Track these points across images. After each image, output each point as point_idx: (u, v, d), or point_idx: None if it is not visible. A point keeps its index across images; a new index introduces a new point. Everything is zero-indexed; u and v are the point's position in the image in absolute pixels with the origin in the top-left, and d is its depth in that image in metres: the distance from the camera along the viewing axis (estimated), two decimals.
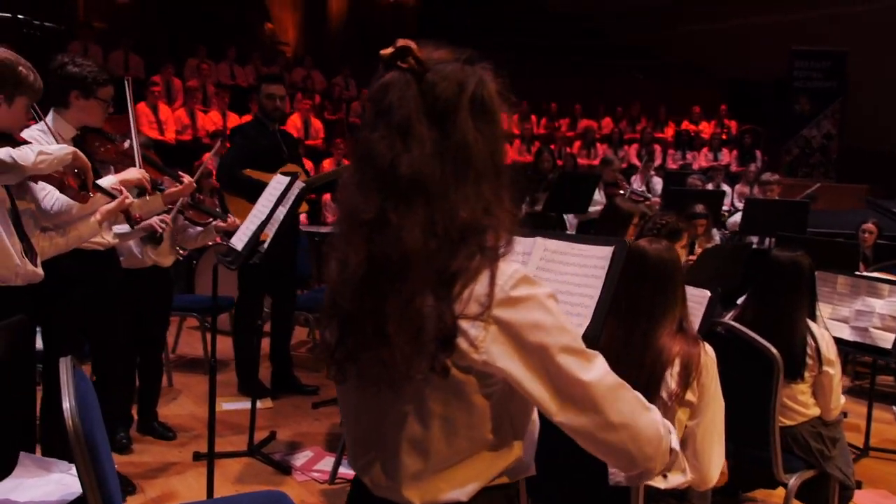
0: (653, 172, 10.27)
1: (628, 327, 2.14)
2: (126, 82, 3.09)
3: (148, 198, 3.09)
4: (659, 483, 2.13)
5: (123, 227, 3.37)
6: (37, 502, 2.04)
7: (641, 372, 2.10)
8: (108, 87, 3.01)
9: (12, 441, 2.39)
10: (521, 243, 2.06)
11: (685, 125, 13.06)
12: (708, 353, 2.15)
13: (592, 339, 1.80)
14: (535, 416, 1.29)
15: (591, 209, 6.40)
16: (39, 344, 3.12)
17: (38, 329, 3.05)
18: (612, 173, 6.94)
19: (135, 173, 2.98)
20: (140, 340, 3.84)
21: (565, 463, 2.16)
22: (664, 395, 2.11)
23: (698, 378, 2.12)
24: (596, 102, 13.24)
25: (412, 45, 1.12)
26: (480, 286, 1.09)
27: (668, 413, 2.11)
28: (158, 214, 3.45)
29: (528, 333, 1.09)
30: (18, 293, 2.52)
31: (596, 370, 1.13)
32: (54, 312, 3.03)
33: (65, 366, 1.85)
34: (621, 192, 6.79)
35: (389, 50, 1.13)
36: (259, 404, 4.30)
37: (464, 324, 1.08)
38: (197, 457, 3.61)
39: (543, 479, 2.28)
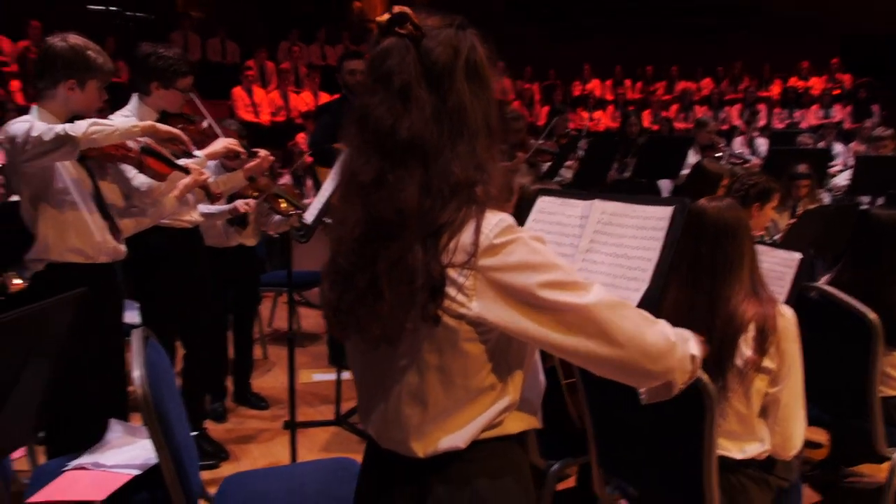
0: (756, 133, 9.75)
1: (691, 290, 2.04)
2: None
3: (228, 174, 3.19)
4: (735, 453, 2.03)
5: (211, 207, 3.51)
6: (121, 465, 2.16)
7: (711, 337, 2.00)
8: (188, 78, 3.12)
9: (99, 408, 2.55)
10: (579, 207, 1.99)
11: (792, 82, 12.32)
12: (786, 316, 2.02)
13: (651, 302, 1.73)
14: (538, 361, 1.32)
15: (685, 173, 6.15)
16: (137, 318, 3.31)
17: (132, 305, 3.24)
18: (708, 135, 6.63)
19: (220, 143, 3.10)
20: (232, 316, 4.03)
21: (636, 435, 2.10)
22: (739, 362, 2.00)
23: (777, 344, 2.00)
24: (694, 63, 12.70)
25: (409, 11, 1.16)
26: (466, 236, 1.13)
27: (744, 381, 2.01)
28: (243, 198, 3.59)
29: (514, 276, 1.12)
30: (105, 269, 2.67)
31: (592, 294, 1.14)
32: (147, 289, 3.20)
33: (137, 337, 1.95)
34: (717, 154, 6.48)
35: (387, 16, 1.17)
36: (347, 375, 4.41)
37: (452, 273, 1.12)
38: (286, 425, 3.74)
39: (613, 451, 2.24)
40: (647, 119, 10.98)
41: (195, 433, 3.12)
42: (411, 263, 1.11)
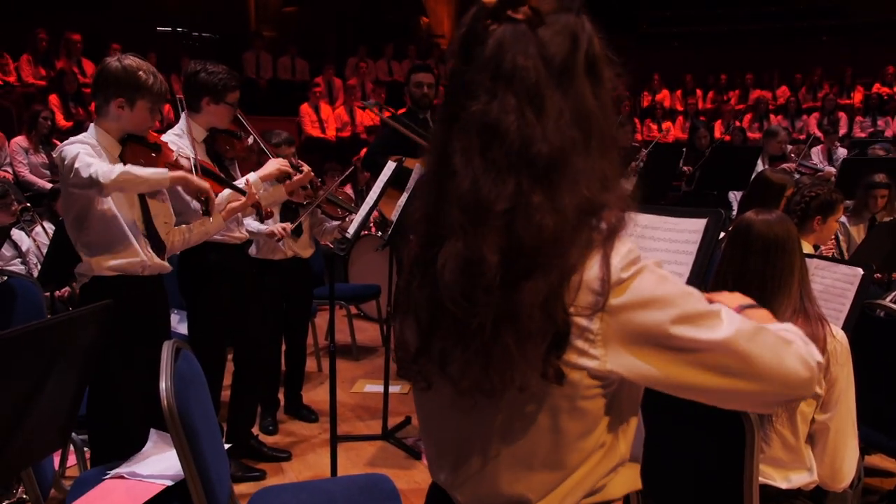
0: (837, 143, 9.33)
1: None
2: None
3: (271, 188, 3.23)
4: (779, 482, 1.91)
5: (251, 225, 3.56)
6: (156, 475, 2.19)
7: None
8: (236, 92, 3.19)
9: (141, 418, 2.59)
10: None
11: (876, 88, 11.76)
12: (837, 338, 1.89)
13: None
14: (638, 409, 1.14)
15: None
16: (183, 330, 3.38)
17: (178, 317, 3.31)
18: (778, 145, 6.37)
19: (273, 165, 3.14)
20: (284, 328, 4.07)
21: (674, 459, 2.00)
22: None
23: (825, 367, 1.87)
24: (770, 70, 12.27)
25: None
26: (592, 271, 0.94)
27: (788, 405, 1.89)
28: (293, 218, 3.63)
29: (645, 314, 0.95)
30: (150, 281, 2.74)
31: (726, 324, 0.97)
32: (196, 302, 3.26)
33: (167, 349, 1.98)
34: (789, 164, 6.21)
35: None
36: (397, 389, 4.40)
37: (576, 318, 0.94)
38: (337, 438, 3.75)
39: (651, 475, 2.13)
40: (718, 129, 10.68)
41: (229, 445, 3.14)
42: (542, 304, 0.92)
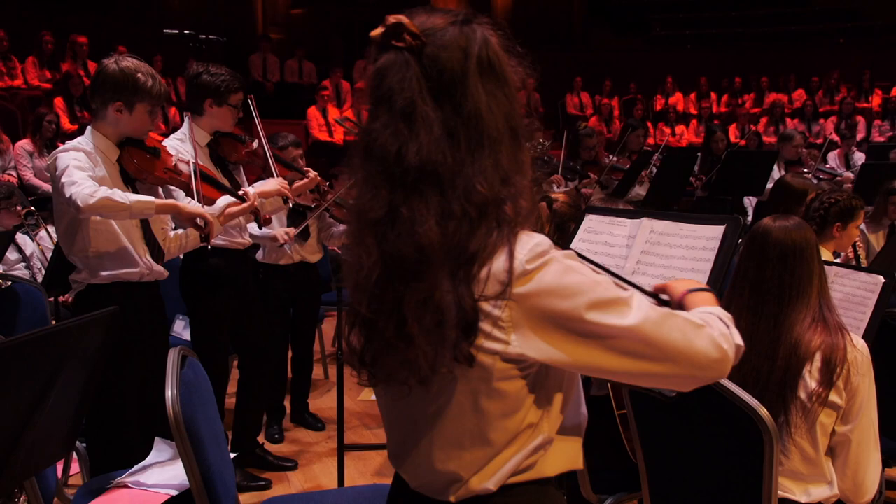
0: (854, 148, 9.27)
1: (754, 315, 1.93)
2: (250, 100, 3.26)
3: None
4: (799, 496, 1.89)
5: (254, 231, 3.55)
6: (161, 485, 2.19)
7: (774, 367, 1.88)
8: (239, 94, 3.18)
9: (145, 427, 2.59)
10: (627, 225, 1.91)
11: (895, 91, 11.69)
12: (857, 348, 1.88)
13: None
14: (579, 389, 1.23)
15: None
16: (188, 336, 3.38)
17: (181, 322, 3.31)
18: (794, 150, 6.33)
19: (273, 185, 3.12)
20: (291, 335, 4.06)
21: (691, 472, 1.98)
22: (802, 395, 1.87)
23: (846, 377, 1.86)
24: (786, 73, 12.23)
25: (404, 19, 1.08)
26: (499, 262, 1.05)
27: (808, 416, 1.88)
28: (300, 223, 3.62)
29: (553, 301, 1.04)
30: (147, 287, 2.73)
31: (635, 310, 1.07)
32: (199, 308, 3.26)
33: (172, 356, 1.98)
34: (804, 170, 6.18)
35: (380, 29, 1.09)
36: None
37: (485, 306, 1.04)
38: (344, 447, 3.73)
39: (667, 488, 2.12)
40: (733, 133, 10.64)
41: (235, 454, 3.14)
42: (440, 300, 1.03)
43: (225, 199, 2.84)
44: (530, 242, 1.06)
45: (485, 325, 1.05)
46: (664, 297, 1.33)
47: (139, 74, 2.60)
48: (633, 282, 1.78)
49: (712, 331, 1.13)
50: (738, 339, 1.16)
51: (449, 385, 1.10)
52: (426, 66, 1.06)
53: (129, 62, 2.61)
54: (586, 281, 1.06)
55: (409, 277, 1.04)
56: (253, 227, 3.47)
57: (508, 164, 1.08)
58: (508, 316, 1.05)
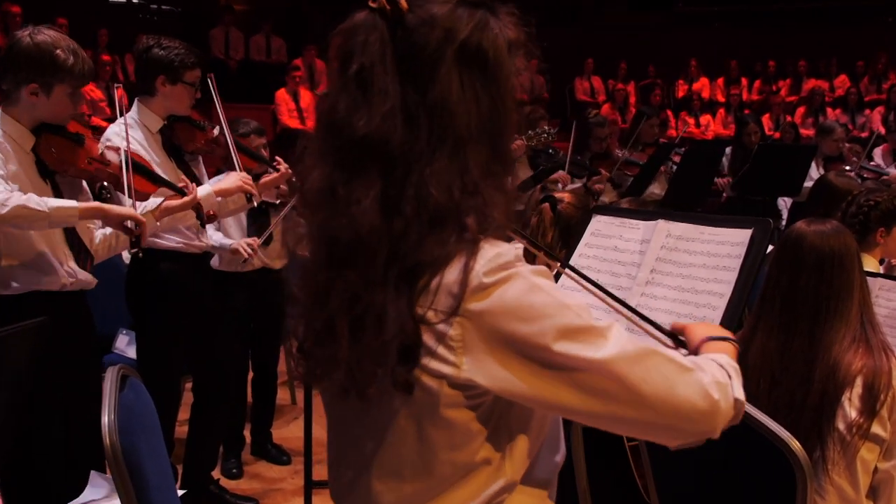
0: None
1: (786, 333, 1.94)
2: (209, 80, 3.26)
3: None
4: None
5: (214, 238, 3.53)
6: None
7: (809, 393, 1.89)
8: (196, 70, 3.15)
9: (77, 459, 2.57)
10: (640, 228, 1.92)
11: None
12: None
13: None
14: (557, 424, 1.23)
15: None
16: (133, 353, 3.36)
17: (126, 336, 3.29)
18: (835, 144, 6.37)
19: (233, 180, 3.11)
20: (251, 353, 4.05)
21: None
22: (841, 425, 1.88)
23: (891, 406, 1.87)
24: (827, 57, 12.32)
25: None
26: (452, 273, 1.04)
27: (847, 450, 1.88)
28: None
29: (512, 323, 1.03)
30: (72, 298, 2.67)
31: (611, 342, 1.05)
32: (148, 320, 3.24)
33: (110, 376, 1.96)
34: (846, 167, 6.22)
35: None
36: None
37: (433, 320, 1.03)
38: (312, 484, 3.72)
39: None
40: (766, 125, 10.71)
41: (185, 491, 3.12)
42: (375, 304, 1.03)
43: (161, 195, 2.82)
44: (491, 252, 1.05)
45: (430, 342, 1.04)
46: (682, 338, 1.32)
47: (58, 51, 2.52)
48: (649, 293, 1.79)
49: (703, 376, 1.11)
50: (739, 393, 1.14)
51: (389, 403, 1.09)
52: (398, 34, 1.07)
53: (46, 35, 2.54)
54: (553, 303, 1.04)
55: (341, 264, 1.05)
56: (211, 234, 3.45)
57: (477, 172, 1.06)
58: (459, 335, 1.03)
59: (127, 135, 2.85)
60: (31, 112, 2.58)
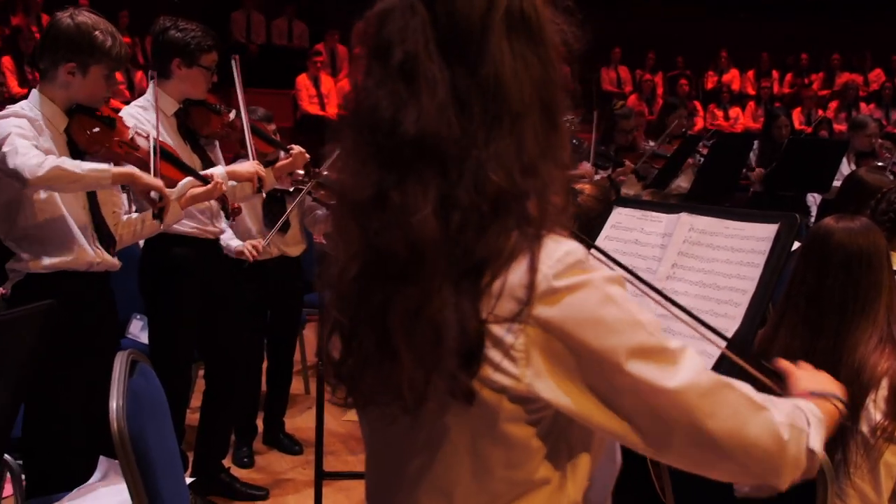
0: None
1: (811, 333, 1.93)
2: (234, 61, 3.28)
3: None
4: None
5: (223, 236, 3.54)
6: None
7: None
8: (213, 53, 3.17)
9: (87, 443, 2.59)
10: (662, 221, 1.90)
11: None
12: None
13: (743, 345, 1.61)
14: (616, 444, 1.18)
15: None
16: (146, 339, 3.38)
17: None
18: (867, 139, 6.30)
19: (248, 168, 3.13)
20: (267, 341, 4.06)
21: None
22: (865, 428, 1.87)
23: None
24: (861, 49, 12.18)
25: None
26: (516, 275, 0.97)
27: (870, 453, 1.86)
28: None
29: (583, 338, 0.97)
30: (96, 279, 2.74)
31: (684, 371, 0.99)
32: (160, 305, 3.25)
33: (120, 360, 1.97)
34: (879, 163, 6.14)
35: None
36: None
37: (495, 329, 0.97)
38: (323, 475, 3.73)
39: None
40: (797, 119, 10.60)
41: (194, 479, 3.14)
42: (436, 314, 0.95)
43: (187, 182, 2.84)
44: (559, 250, 0.98)
45: (493, 354, 0.97)
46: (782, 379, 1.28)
47: (97, 32, 2.60)
48: (669, 288, 1.77)
49: (775, 415, 1.05)
50: (816, 445, 1.08)
51: (442, 418, 1.03)
52: (438, 13, 0.99)
53: (86, 17, 2.62)
54: (627, 318, 0.98)
55: (398, 279, 0.97)
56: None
57: (535, 148, 1.00)
58: (523, 344, 0.97)
59: (157, 122, 2.93)
60: (67, 92, 2.65)
